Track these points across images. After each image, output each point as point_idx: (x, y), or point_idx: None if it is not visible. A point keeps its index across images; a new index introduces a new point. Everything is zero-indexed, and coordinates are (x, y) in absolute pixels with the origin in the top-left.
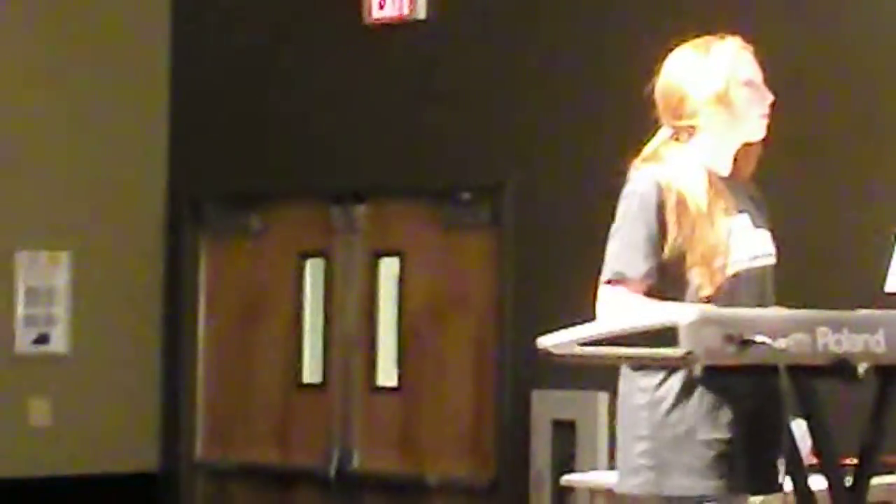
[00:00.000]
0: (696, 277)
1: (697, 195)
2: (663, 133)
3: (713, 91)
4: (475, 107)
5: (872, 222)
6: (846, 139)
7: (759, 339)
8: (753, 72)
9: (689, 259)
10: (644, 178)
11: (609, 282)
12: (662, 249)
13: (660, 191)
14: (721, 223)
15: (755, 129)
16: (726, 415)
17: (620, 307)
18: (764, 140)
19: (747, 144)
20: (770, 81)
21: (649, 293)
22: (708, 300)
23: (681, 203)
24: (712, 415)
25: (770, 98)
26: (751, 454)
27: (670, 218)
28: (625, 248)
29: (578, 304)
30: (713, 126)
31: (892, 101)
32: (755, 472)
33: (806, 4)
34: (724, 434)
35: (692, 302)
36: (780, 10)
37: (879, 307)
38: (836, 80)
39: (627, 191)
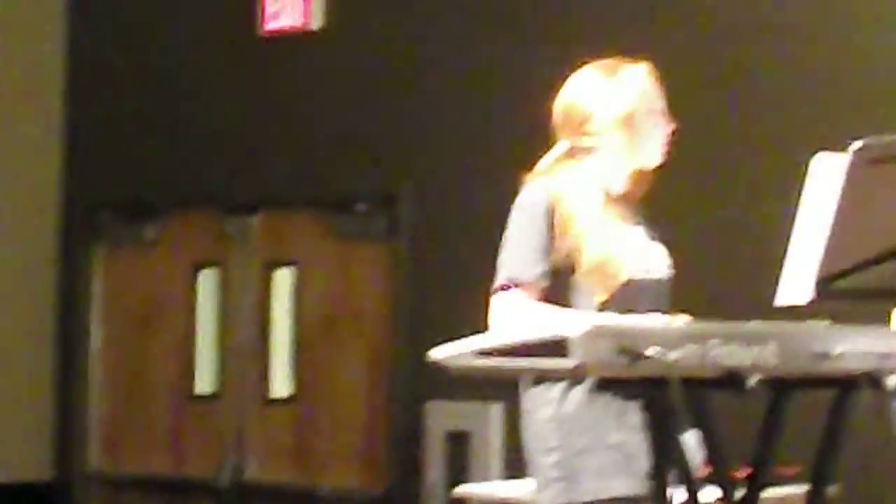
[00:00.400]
0: (590, 284)
1: (589, 205)
2: (560, 148)
3: (620, 113)
4: (370, 118)
5: (764, 235)
6: (740, 149)
7: (650, 351)
8: (658, 99)
9: (582, 266)
10: (536, 188)
11: (504, 287)
12: (554, 258)
13: (551, 200)
14: (614, 232)
15: (653, 155)
16: (632, 415)
17: (515, 311)
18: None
19: (642, 168)
20: (666, 99)
21: (543, 298)
22: (602, 307)
23: (572, 212)
24: (619, 419)
25: (671, 127)
26: (654, 457)
27: (561, 226)
28: (518, 254)
29: (473, 315)
30: (614, 147)
31: (786, 117)
32: (658, 475)
33: (698, 26)
34: (631, 436)
35: (588, 309)
36: (667, 32)
37: (770, 320)
38: (730, 96)
39: (519, 200)
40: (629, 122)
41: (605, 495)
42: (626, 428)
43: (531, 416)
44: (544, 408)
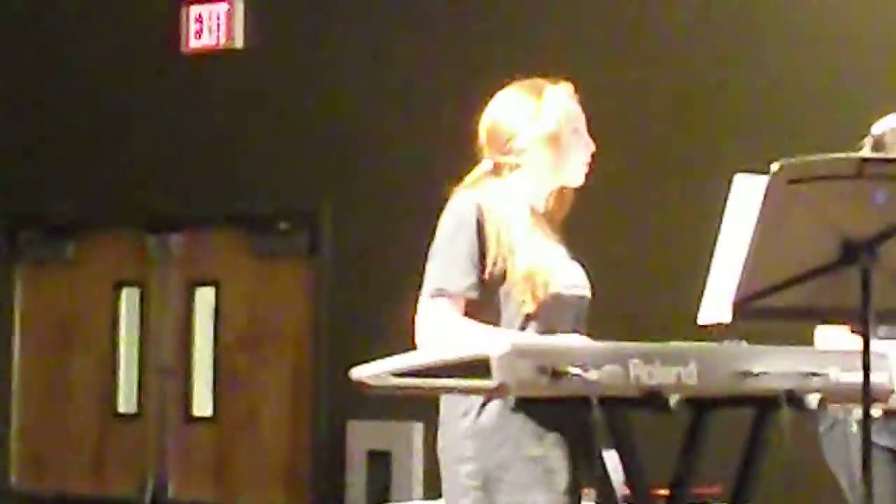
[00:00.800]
0: (519, 295)
1: (518, 217)
2: (484, 166)
3: (544, 132)
4: (292, 136)
5: (685, 255)
6: (661, 170)
7: (571, 370)
8: (580, 119)
9: (511, 277)
10: (464, 199)
11: (431, 297)
12: (483, 268)
13: (480, 211)
14: (542, 245)
15: (576, 174)
16: (552, 430)
17: (440, 323)
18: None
19: (564, 188)
20: (589, 121)
21: (470, 310)
22: (529, 318)
23: (501, 223)
24: (537, 433)
25: (592, 147)
26: (572, 473)
27: (490, 237)
28: (445, 265)
29: (394, 334)
30: (538, 165)
31: (707, 138)
32: (575, 490)
33: (621, 49)
34: (548, 451)
35: (514, 320)
36: (591, 55)
37: (691, 339)
38: (651, 117)
39: (447, 211)
40: (553, 142)
41: None
42: (546, 442)
43: (448, 428)
44: (462, 419)
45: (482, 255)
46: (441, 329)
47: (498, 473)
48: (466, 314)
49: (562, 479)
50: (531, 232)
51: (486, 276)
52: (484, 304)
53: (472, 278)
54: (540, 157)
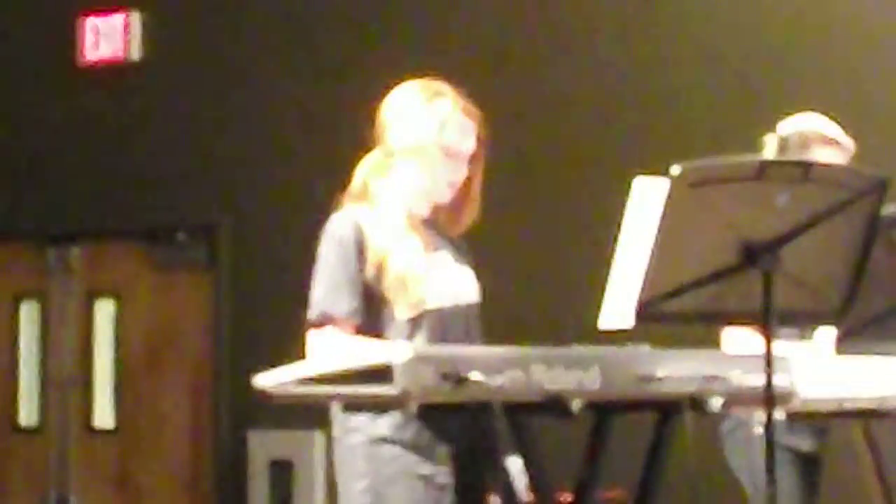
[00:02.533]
0: (395, 303)
1: (391, 227)
2: (374, 156)
3: (410, 142)
4: (190, 148)
5: (587, 258)
6: (562, 174)
7: (473, 376)
8: (461, 141)
9: (385, 287)
10: (341, 219)
11: (317, 324)
12: (365, 288)
13: (356, 230)
14: (415, 253)
15: (439, 192)
16: (443, 450)
17: (330, 348)
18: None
19: (468, 204)
20: (489, 119)
21: (358, 332)
22: (409, 324)
23: (375, 237)
24: (428, 450)
25: (463, 173)
26: (464, 488)
27: (366, 253)
28: (328, 290)
29: (294, 344)
30: (405, 171)
31: (607, 141)
32: None
33: (520, 52)
34: (440, 468)
35: (396, 330)
36: (490, 57)
37: (593, 344)
38: (552, 120)
39: (327, 232)
40: (417, 153)
41: None
42: (437, 459)
43: (341, 443)
44: (354, 434)
45: (362, 275)
46: (329, 352)
47: (388, 490)
48: (355, 334)
49: (448, 496)
50: (404, 237)
51: (368, 292)
52: (370, 318)
53: (356, 303)
54: (405, 163)
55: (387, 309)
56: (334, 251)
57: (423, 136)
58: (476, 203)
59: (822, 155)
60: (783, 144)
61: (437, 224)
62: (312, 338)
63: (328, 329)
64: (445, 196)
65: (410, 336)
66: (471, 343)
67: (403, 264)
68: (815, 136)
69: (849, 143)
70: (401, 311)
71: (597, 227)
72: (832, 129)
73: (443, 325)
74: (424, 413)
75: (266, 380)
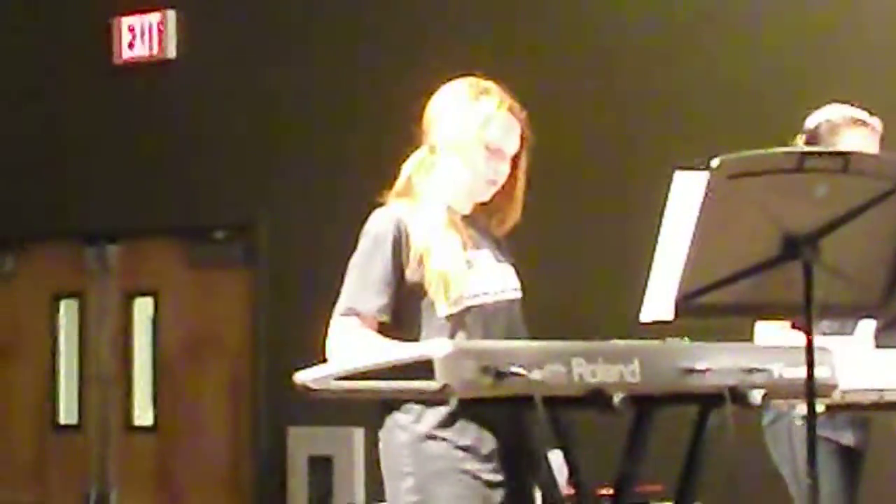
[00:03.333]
0: (435, 300)
1: (432, 226)
2: (419, 153)
3: (454, 138)
4: (227, 146)
5: (628, 252)
6: (602, 168)
7: (514, 370)
8: (504, 139)
9: (426, 283)
10: (382, 215)
11: (342, 315)
12: (399, 287)
13: (397, 227)
14: (456, 251)
15: (480, 190)
16: (487, 445)
17: (351, 340)
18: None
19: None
20: (533, 119)
21: (384, 331)
22: (450, 321)
23: (416, 235)
24: (474, 446)
25: (504, 172)
26: (510, 483)
27: (406, 248)
28: (360, 284)
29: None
30: (447, 167)
31: (649, 135)
32: (514, 499)
33: (564, 44)
34: (485, 464)
35: (436, 326)
36: (535, 50)
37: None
38: (595, 116)
39: (365, 229)
40: (460, 150)
41: None
42: (480, 456)
43: (387, 441)
44: (400, 432)
45: (400, 274)
46: (351, 345)
47: (435, 487)
48: (395, 336)
49: (498, 492)
50: (445, 234)
51: (407, 288)
52: (408, 315)
53: (385, 300)
54: (448, 159)
55: (428, 306)
56: (371, 246)
57: (466, 133)
58: (519, 204)
59: (852, 137)
60: (813, 134)
61: (479, 222)
62: (335, 327)
63: (352, 321)
64: (486, 194)
65: (451, 333)
66: (513, 338)
67: (444, 261)
68: (843, 120)
69: (877, 122)
70: (441, 308)
71: (637, 221)
72: (858, 112)
73: (484, 321)
74: (468, 409)
75: (306, 376)
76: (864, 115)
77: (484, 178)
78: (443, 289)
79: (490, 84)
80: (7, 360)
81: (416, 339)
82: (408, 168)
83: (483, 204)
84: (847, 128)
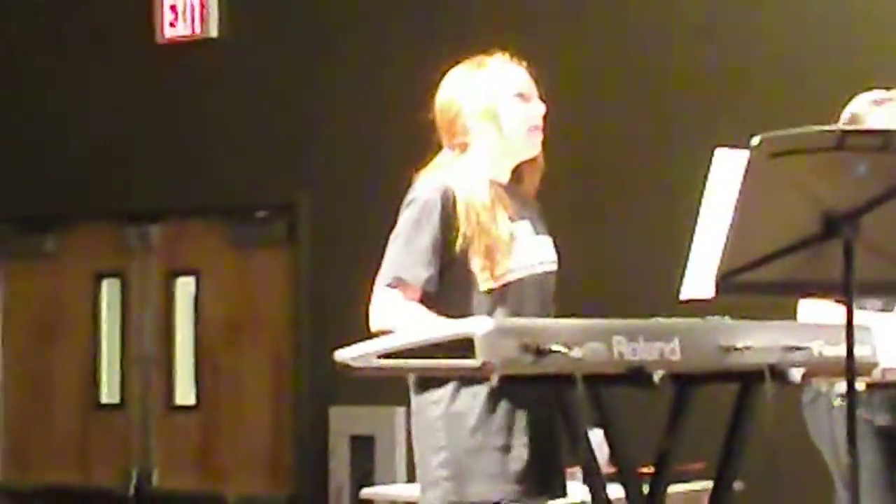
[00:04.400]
0: (479, 271)
1: (479, 195)
2: (444, 154)
3: (482, 106)
4: (267, 125)
5: (668, 229)
6: (642, 146)
7: (555, 348)
8: (525, 83)
9: (472, 253)
10: (427, 184)
11: (387, 285)
12: (444, 257)
13: (443, 195)
14: (502, 222)
15: (524, 142)
16: (521, 421)
17: (395, 311)
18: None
19: (530, 160)
20: (560, 91)
21: (426, 301)
22: (491, 295)
23: (463, 203)
24: (507, 422)
25: (541, 109)
26: (541, 459)
27: (453, 219)
28: (406, 254)
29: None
30: (485, 141)
31: (689, 113)
32: (545, 478)
33: (603, 24)
34: (519, 440)
35: (478, 300)
36: (572, 31)
37: (675, 315)
38: (635, 93)
39: (410, 197)
40: (490, 115)
41: (492, 498)
42: (513, 432)
43: (420, 416)
44: (433, 407)
45: (446, 245)
46: (396, 317)
47: (468, 463)
48: (435, 308)
49: (528, 469)
50: (492, 207)
51: (453, 257)
52: (451, 286)
53: (432, 271)
54: (483, 132)
55: (470, 278)
56: (417, 215)
57: (490, 96)
58: (541, 160)
59: (877, 118)
60: (854, 119)
61: (517, 190)
62: (379, 299)
63: (397, 293)
64: (535, 143)
65: (492, 307)
66: (545, 311)
67: (491, 233)
68: (865, 106)
69: None
70: (484, 282)
71: (678, 199)
72: (877, 93)
73: (523, 294)
74: (508, 386)
75: (346, 354)
76: (882, 93)
77: (526, 126)
78: (489, 262)
79: (482, 56)
80: (49, 340)
81: (456, 312)
82: (439, 157)
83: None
84: (870, 113)
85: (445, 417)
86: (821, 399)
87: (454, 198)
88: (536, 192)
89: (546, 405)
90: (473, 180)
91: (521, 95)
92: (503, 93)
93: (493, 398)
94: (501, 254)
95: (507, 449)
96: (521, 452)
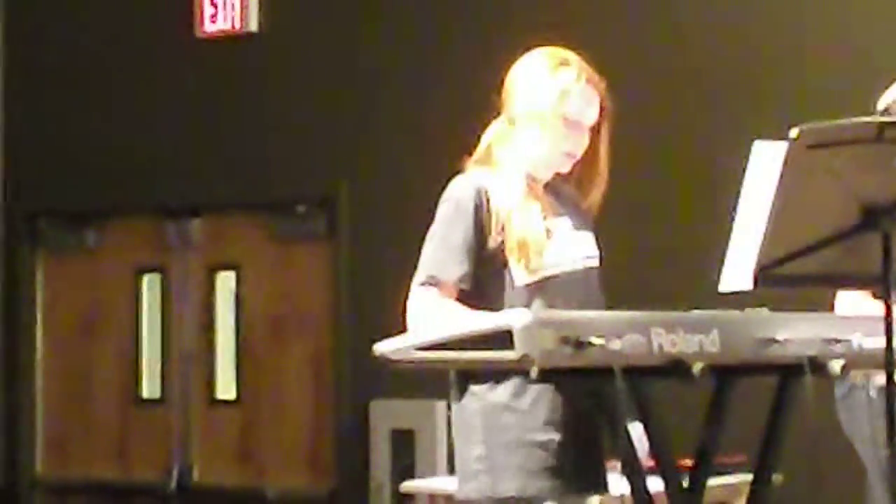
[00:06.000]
0: (515, 267)
1: (512, 194)
2: (498, 123)
3: (531, 109)
4: (308, 119)
5: (706, 222)
6: (681, 139)
7: (594, 340)
8: (582, 111)
9: (508, 250)
10: (462, 182)
11: (422, 284)
12: (479, 254)
13: (477, 194)
14: (536, 219)
15: (557, 161)
16: (558, 416)
17: (431, 310)
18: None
19: (592, 170)
20: (612, 92)
21: (462, 299)
22: (528, 290)
23: (496, 200)
24: (545, 417)
25: (582, 144)
26: (580, 455)
27: (486, 216)
28: (440, 252)
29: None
30: (525, 137)
31: (727, 106)
32: (583, 473)
33: (640, 18)
34: (556, 435)
35: (515, 295)
36: (611, 22)
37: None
38: (673, 85)
39: (445, 196)
40: (539, 119)
41: (528, 493)
42: (550, 427)
43: (460, 410)
44: (473, 401)
45: (479, 242)
46: (432, 315)
47: (504, 457)
48: (472, 305)
49: (565, 464)
50: (525, 202)
51: (487, 254)
52: (486, 283)
53: (466, 268)
54: (525, 129)
55: (507, 274)
56: (451, 213)
57: (544, 105)
58: (603, 176)
59: None
60: (888, 112)
61: (561, 190)
62: (415, 297)
63: (433, 290)
64: (564, 165)
65: (529, 301)
66: (590, 307)
67: (524, 229)
68: None
69: None
70: (520, 277)
71: (716, 191)
72: None
73: (563, 290)
74: (547, 379)
75: (386, 347)
76: None
77: (561, 151)
78: (523, 257)
79: (569, 54)
80: (90, 335)
81: (494, 308)
82: (487, 137)
83: (568, 174)
84: None
85: (484, 411)
86: (856, 392)
87: (487, 195)
88: (593, 198)
89: (586, 399)
90: (508, 176)
91: (571, 122)
92: (557, 109)
93: (532, 393)
94: (535, 250)
95: (545, 444)
96: (559, 448)
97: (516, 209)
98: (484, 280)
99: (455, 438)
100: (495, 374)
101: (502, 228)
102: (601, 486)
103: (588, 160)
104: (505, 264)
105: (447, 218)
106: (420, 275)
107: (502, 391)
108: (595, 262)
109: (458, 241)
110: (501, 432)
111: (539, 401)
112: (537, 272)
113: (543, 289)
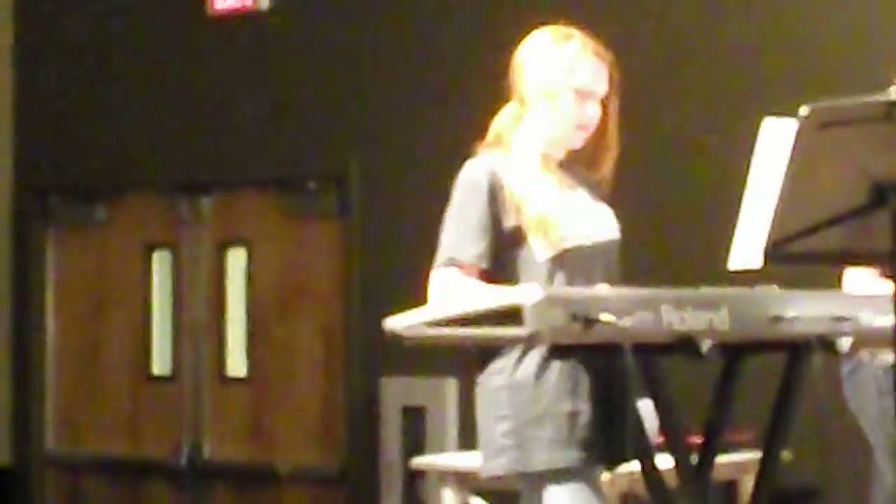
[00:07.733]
0: (534, 243)
1: (526, 169)
2: (510, 107)
3: (542, 86)
4: (319, 96)
5: (716, 200)
6: (689, 116)
7: (603, 317)
8: (591, 83)
9: (525, 228)
10: (476, 164)
11: (443, 266)
12: (496, 233)
13: (491, 175)
14: (552, 194)
15: (570, 136)
16: (584, 386)
17: (453, 289)
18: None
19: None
20: (621, 69)
21: (484, 278)
22: (549, 264)
23: (510, 183)
24: (571, 387)
25: (595, 116)
26: (606, 424)
27: (501, 197)
28: (457, 234)
29: (425, 291)
30: (537, 115)
31: (737, 82)
32: (609, 442)
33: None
34: (583, 405)
35: (536, 270)
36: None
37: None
38: (682, 62)
39: (460, 178)
40: (550, 95)
41: (557, 465)
42: (577, 397)
43: (484, 386)
44: (497, 377)
45: (496, 222)
46: (452, 293)
47: (532, 431)
48: (495, 283)
49: (592, 434)
50: (540, 180)
51: (506, 235)
52: (509, 265)
53: (483, 247)
54: (536, 108)
55: (527, 251)
56: (466, 196)
57: (553, 79)
58: (614, 149)
59: None
60: None
61: (574, 168)
62: (435, 278)
63: (453, 270)
64: (578, 139)
65: (551, 276)
66: (611, 281)
67: (540, 204)
68: None
69: None
70: (540, 252)
71: (726, 169)
72: None
73: (583, 263)
74: (558, 356)
75: (396, 323)
76: None
77: (574, 124)
78: (542, 232)
79: (573, 30)
80: (100, 311)
81: (517, 284)
82: (499, 120)
83: (576, 151)
84: None
85: (509, 386)
86: (863, 369)
87: (500, 176)
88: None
89: (607, 370)
90: (522, 157)
91: (580, 93)
92: (565, 83)
93: (557, 365)
94: (555, 222)
95: (572, 415)
96: (586, 418)
97: (531, 187)
98: (505, 258)
99: (479, 416)
100: (519, 350)
101: (517, 208)
102: (624, 456)
103: (598, 133)
104: (525, 241)
105: (461, 201)
106: (439, 258)
107: (526, 366)
108: (616, 235)
109: (473, 221)
110: (529, 406)
111: (564, 372)
112: (558, 245)
113: (565, 262)
